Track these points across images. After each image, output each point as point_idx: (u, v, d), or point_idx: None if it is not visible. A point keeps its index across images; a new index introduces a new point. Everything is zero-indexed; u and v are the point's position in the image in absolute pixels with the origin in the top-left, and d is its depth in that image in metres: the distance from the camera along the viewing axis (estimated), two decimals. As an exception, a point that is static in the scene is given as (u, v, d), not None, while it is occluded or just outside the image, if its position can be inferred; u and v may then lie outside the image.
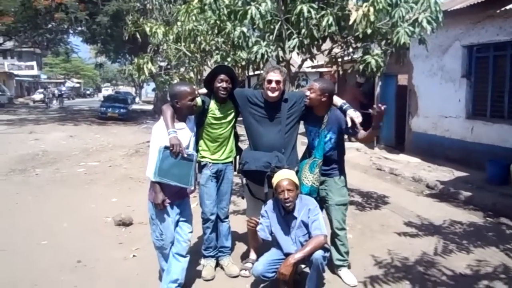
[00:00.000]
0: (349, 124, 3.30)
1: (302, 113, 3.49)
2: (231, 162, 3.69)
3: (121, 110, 21.34)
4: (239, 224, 4.55)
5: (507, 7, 5.84)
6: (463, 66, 8.12)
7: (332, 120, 3.42)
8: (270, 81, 3.32)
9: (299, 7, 4.07)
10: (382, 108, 3.11)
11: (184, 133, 3.12)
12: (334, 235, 3.60)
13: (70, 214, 5.44)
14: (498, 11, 6.21)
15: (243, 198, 3.71)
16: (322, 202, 3.55)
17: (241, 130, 3.67)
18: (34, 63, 46.99)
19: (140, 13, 11.08)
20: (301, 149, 3.68)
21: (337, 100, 3.47)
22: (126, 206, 5.65)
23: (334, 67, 5.42)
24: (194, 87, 3.50)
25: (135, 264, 3.95)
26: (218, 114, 3.51)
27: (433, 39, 7.66)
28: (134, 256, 4.13)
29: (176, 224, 3.14)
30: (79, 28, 21.36)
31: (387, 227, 4.99)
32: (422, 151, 9.09)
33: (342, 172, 3.59)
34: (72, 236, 4.66)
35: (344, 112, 3.37)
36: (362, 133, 3.37)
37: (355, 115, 3.29)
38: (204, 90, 3.56)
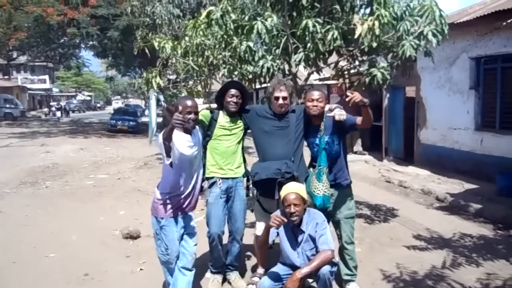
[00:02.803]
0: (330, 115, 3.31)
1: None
2: (240, 177, 3.67)
3: (131, 123, 21.52)
4: (246, 237, 4.53)
5: (514, 19, 5.84)
6: (471, 78, 8.09)
7: (329, 124, 3.41)
8: (277, 98, 3.41)
9: (304, 22, 4.12)
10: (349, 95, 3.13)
11: (190, 145, 3.13)
12: (342, 249, 3.56)
13: (78, 226, 5.48)
14: (504, 23, 6.20)
15: (252, 211, 3.71)
16: (330, 216, 3.52)
17: (249, 142, 3.70)
18: (46, 77, 47.94)
19: (149, 28, 11.23)
20: (308, 160, 3.68)
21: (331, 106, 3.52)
22: (134, 219, 5.68)
23: (341, 80, 5.45)
24: (202, 102, 3.56)
25: (142, 278, 3.95)
26: (227, 125, 3.57)
27: (440, 51, 7.67)
28: (141, 269, 4.14)
29: (181, 238, 3.14)
30: (91, 43, 21.79)
31: (396, 240, 4.94)
32: (431, 163, 9.03)
33: (348, 184, 3.57)
34: (80, 249, 4.69)
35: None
36: (358, 118, 3.38)
37: (337, 113, 3.28)
38: (215, 105, 3.64)
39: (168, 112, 3.19)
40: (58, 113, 32.59)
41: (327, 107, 3.42)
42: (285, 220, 3.03)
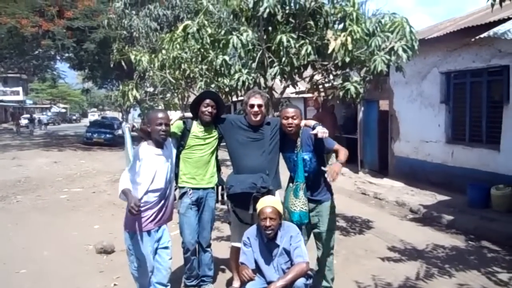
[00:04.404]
0: (313, 133, 3.28)
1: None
2: (212, 188, 3.69)
3: (107, 135, 21.17)
4: (222, 250, 4.52)
5: (481, 36, 6.06)
6: (441, 92, 8.34)
7: (305, 139, 3.42)
8: (252, 106, 3.41)
9: (278, 37, 4.20)
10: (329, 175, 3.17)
11: (160, 159, 3.12)
12: (322, 261, 3.56)
13: (50, 242, 5.34)
14: (473, 39, 6.44)
15: (229, 223, 3.71)
16: (313, 229, 3.53)
17: (224, 155, 3.71)
18: (20, 89, 46.73)
19: (126, 40, 11.18)
20: (286, 174, 3.69)
21: (310, 122, 3.52)
22: (109, 233, 5.57)
23: (316, 93, 5.55)
24: (176, 112, 3.56)
25: (115, 293, 3.88)
26: (200, 135, 3.57)
27: (412, 66, 7.90)
28: (115, 285, 4.06)
29: (155, 252, 3.10)
30: (66, 55, 21.42)
31: (371, 252, 5.01)
32: (405, 175, 9.21)
33: (331, 196, 3.58)
34: (52, 265, 4.57)
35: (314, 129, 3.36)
36: (335, 146, 3.44)
37: (320, 130, 3.25)
38: (189, 114, 3.65)
39: (142, 132, 3.19)
40: (30, 126, 31.64)
41: (303, 123, 3.45)
42: (253, 276, 3.08)
